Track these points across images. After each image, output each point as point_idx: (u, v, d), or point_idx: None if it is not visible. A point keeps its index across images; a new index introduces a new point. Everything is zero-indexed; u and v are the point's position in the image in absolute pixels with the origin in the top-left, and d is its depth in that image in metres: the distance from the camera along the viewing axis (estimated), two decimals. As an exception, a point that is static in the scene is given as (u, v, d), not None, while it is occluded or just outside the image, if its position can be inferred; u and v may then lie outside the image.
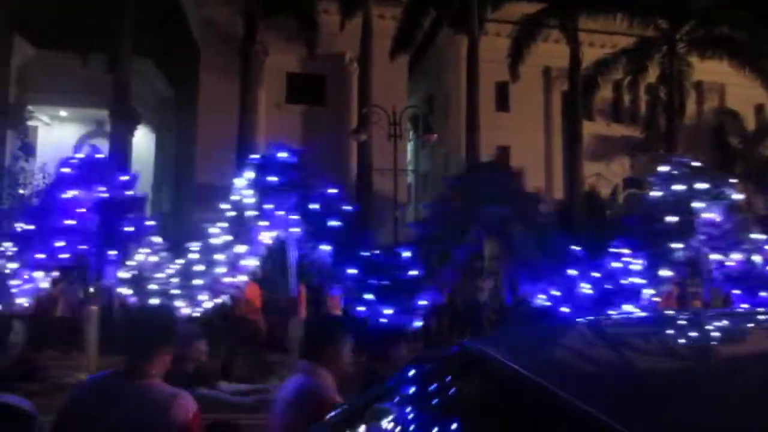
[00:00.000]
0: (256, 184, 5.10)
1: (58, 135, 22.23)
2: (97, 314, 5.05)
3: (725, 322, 1.84)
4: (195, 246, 5.13)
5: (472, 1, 18.61)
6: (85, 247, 5.01)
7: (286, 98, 22.40)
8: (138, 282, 4.76)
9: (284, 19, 19.10)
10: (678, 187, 4.85)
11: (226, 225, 5.09)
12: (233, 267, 4.98)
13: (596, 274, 4.76)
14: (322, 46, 19.69)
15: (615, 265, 4.80)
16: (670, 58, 19.78)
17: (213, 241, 5.06)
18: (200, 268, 4.96)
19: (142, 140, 21.72)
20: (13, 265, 4.77)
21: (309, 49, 19.44)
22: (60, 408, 2.30)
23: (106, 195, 5.00)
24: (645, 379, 1.16)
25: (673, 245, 4.70)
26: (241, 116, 18.62)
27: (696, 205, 4.79)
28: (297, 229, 5.00)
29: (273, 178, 5.10)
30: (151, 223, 5.05)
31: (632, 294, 4.67)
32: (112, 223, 4.92)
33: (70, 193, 4.92)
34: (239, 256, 5.01)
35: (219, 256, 4.98)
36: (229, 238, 5.11)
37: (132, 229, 4.99)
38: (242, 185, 5.18)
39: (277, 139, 21.91)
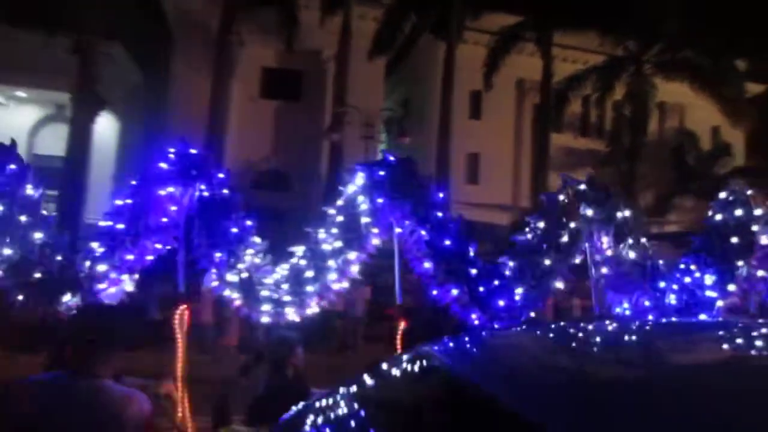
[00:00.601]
0: (369, 191, 5.06)
1: (13, 116, 21.12)
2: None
3: (685, 333, 1.94)
4: (299, 250, 4.99)
5: (452, 9, 18.83)
6: (163, 247, 4.72)
7: (260, 92, 22.02)
8: (247, 286, 4.62)
9: (263, 11, 18.77)
10: (738, 212, 5.44)
11: (336, 231, 5.02)
12: (342, 273, 4.94)
13: (675, 287, 5.16)
14: (300, 42, 19.47)
15: (687, 279, 5.22)
16: (636, 78, 20.58)
17: (324, 246, 5.00)
18: (310, 274, 4.90)
19: (106, 127, 20.90)
20: (102, 267, 4.37)
21: (287, 44, 19.18)
22: (4, 410, 2.23)
23: (206, 193, 4.69)
24: (588, 387, 1.22)
25: (739, 263, 5.28)
26: (213, 108, 18.20)
27: (754, 228, 5.35)
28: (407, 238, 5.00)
29: (386, 185, 5.00)
30: (250, 223, 4.76)
31: (707, 305, 5.10)
32: (215, 222, 4.71)
33: (167, 191, 4.57)
34: (348, 263, 4.99)
35: (331, 263, 4.95)
36: (340, 244, 5.05)
37: (236, 229, 4.66)
38: (352, 191, 5.12)
39: (248, 133, 21.65)
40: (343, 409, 1.84)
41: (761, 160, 24.25)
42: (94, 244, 4.45)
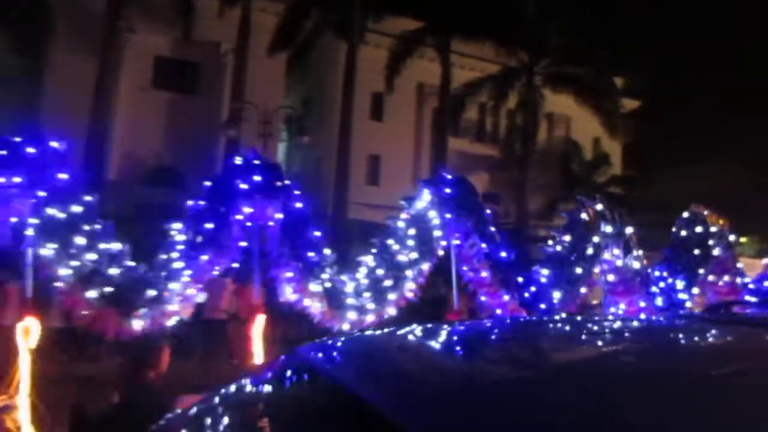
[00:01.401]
0: (438, 207, 5.79)
1: None
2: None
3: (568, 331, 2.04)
4: (369, 260, 5.48)
5: (354, 10, 18.86)
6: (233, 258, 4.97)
7: (152, 83, 20.84)
8: (331, 295, 4.95)
9: (156, -3, 17.79)
10: (698, 229, 6.74)
11: (412, 243, 5.67)
12: (415, 282, 5.58)
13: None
14: (197, 32, 18.64)
15: (662, 284, 6.54)
16: (527, 89, 21.73)
17: (400, 258, 5.61)
18: (389, 283, 5.43)
19: (-29, 111, 18.82)
20: (185, 279, 4.45)
21: (183, 34, 18.30)
22: None
23: (288, 204, 4.94)
24: (457, 389, 1.23)
25: (700, 270, 6.65)
26: (97, 97, 16.96)
27: (710, 242, 6.70)
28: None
29: (452, 202, 5.83)
30: (319, 233, 5.09)
31: (680, 307, 6.18)
32: (299, 234, 5.01)
33: (250, 202, 4.78)
34: (421, 273, 5.64)
35: (408, 273, 5.53)
36: (416, 255, 5.67)
37: (315, 240, 5.01)
38: (422, 206, 5.89)
39: (137, 125, 20.46)
40: (214, 418, 1.76)
41: (635, 170, 26.57)
42: (175, 255, 4.50)
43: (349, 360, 1.62)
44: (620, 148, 27.66)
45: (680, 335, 1.87)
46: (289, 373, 1.66)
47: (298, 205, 5.11)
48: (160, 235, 4.82)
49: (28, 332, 3.88)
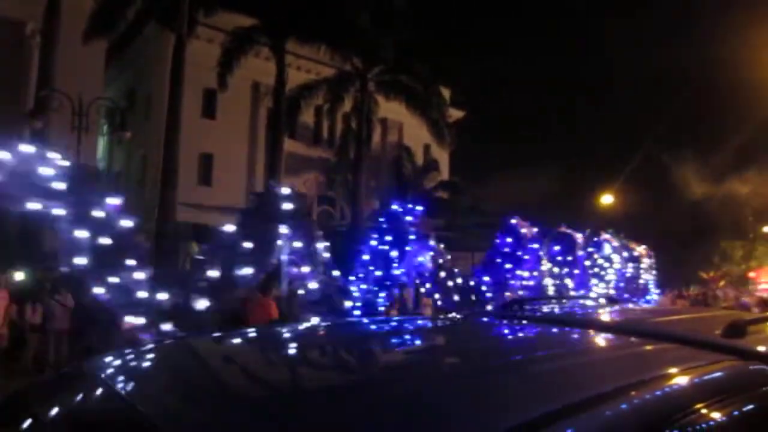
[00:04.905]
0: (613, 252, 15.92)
1: None
2: None
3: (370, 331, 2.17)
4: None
5: (183, 1, 17.92)
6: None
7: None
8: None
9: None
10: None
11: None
12: None
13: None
14: (-5, 8, 16.39)
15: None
16: (361, 94, 22.35)
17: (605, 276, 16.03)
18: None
19: None
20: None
21: (-29, 8, 15.96)
22: None
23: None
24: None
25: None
26: None
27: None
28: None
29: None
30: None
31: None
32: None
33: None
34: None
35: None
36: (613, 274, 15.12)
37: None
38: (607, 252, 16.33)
39: None
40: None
41: (459, 176, 28.72)
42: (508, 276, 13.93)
43: (128, 371, 1.55)
44: (448, 155, 29.66)
45: (457, 332, 1.99)
46: (72, 385, 1.55)
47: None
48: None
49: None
